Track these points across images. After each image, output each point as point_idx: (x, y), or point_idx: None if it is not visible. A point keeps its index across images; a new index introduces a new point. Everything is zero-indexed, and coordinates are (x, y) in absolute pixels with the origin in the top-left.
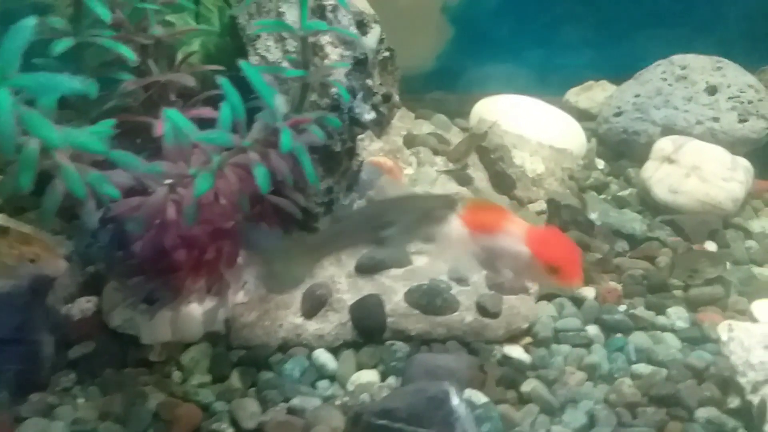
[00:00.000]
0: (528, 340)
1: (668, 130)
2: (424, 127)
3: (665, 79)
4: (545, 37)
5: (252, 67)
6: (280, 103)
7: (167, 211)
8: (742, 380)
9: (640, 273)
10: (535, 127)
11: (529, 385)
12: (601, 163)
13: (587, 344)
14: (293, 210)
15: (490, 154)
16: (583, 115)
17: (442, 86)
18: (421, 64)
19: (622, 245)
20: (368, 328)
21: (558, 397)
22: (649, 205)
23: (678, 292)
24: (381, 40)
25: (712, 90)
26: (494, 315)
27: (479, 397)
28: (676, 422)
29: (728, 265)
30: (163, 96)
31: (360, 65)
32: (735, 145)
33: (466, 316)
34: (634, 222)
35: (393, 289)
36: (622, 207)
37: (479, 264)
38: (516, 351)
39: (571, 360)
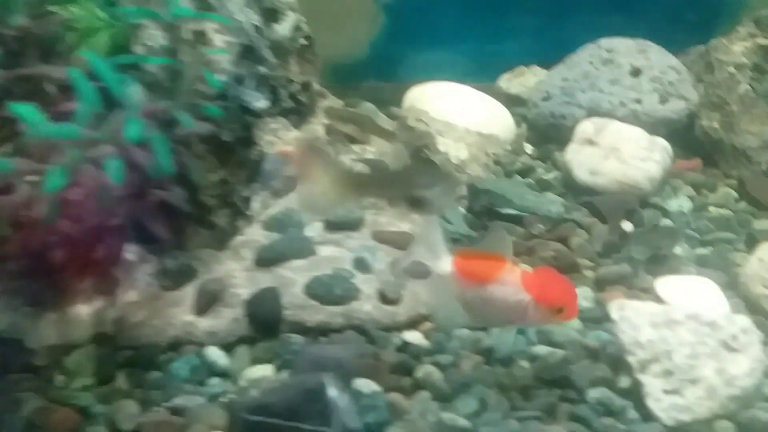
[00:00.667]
0: (429, 325)
1: (593, 112)
2: (356, 116)
3: (592, 63)
4: (479, 24)
5: (97, 57)
6: (132, 92)
7: (32, 210)
8: (631, 359)
9: (551, 254)
10: (463, 113)
11: (422, 372)
12: (529, 148)
13: (485, 327)
14: (181, 204)
15: (414, 141)
16: (514, 101)
17: (377, 75)
18: (354, 53)
19: (538, 228)
20: (264, 323)
21: (451, 383)
22: (571, 187)
23: (588, 272)
24: (297, 29)
25: (636, 72)
26: (394, 302)
27: (371, 387)
28: (566, 404)
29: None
30: (38, 90)
31: (249, 52)
32: (656, 126)
33: (365, 304)
34: (550, 204)
35: (293, 281)
36: (545, 190)
37: (477, 316)
38: (415, 337)
39: (468, 344)
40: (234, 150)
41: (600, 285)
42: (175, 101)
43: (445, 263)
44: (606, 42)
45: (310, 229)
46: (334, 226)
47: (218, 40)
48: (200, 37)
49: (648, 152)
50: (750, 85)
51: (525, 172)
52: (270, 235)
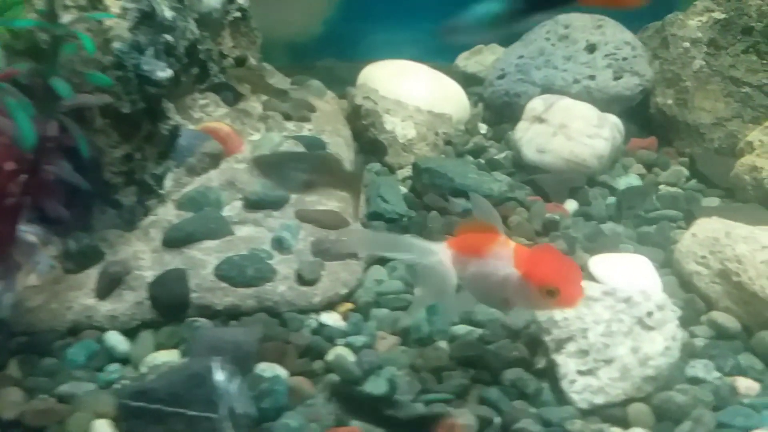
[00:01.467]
0: (348, 306)
1: (548, 90)
2: (296, 93)
3: (549, 39)
4: (438, 1)
5: None
6: None
7: None
8: (546, 338)
9: None
10: (415, 92)
11: (333, 354)
12: (484, 128)
13: (406, 307)
14: (75, 180)
15: (361, 120)
16: (471, 80)
17: (335, 54)
18: (309, 31)
19: None
20: (168, 306)
21: (363, 365)
22: (520, 166)
23: None
24: (231, 1)
25: (591, 48)
26: (311, 282)
27: (275, 371)
28: (479, 386)
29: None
30: None
31: (149, 19)
32: (610, 103)
33: (279, 285)
34: (492, 183)
35: (203, 263)
36: (495, 169)
37: (474, 294)
38: (332, 318)
39: (385, 324)
40: (138, 124)
41: None
42: (52, 68)
43: (438, 249)
44: (564, 18)
45: (229, 209)
46: (255, 204)
47: (115, 6)
48: (98, 2)
49: (597, 129)
50: (705, 60)
51: (477, 151)
52: (184, 215)
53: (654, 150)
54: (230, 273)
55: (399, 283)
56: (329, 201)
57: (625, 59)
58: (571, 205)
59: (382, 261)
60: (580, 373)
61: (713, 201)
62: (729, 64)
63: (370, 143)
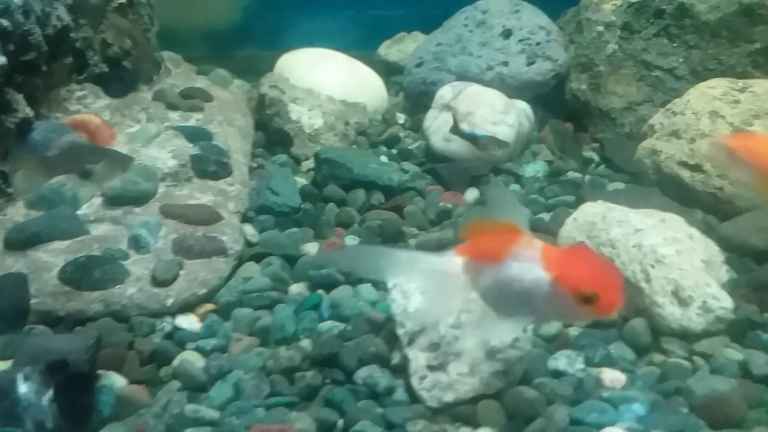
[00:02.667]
0: (210, 306)
1: (462, 77)
2: (198, 83)
3: (467, 26)
4: None
5: None
6: None
7: None
8: (400, 332)
9: (377, 224)
10: (330, 81)
11: (179, 360)
12: (402, 117)
13: (270, 305)
14: None
15: (265, 109)
16: (393, 69)
17: (255, 43)
18: (227, 20)
19: (378, 197)
20: (6, 313)
21: (210, 370)
22: (430, 155)
23: (412, 241)
24: None
25: (507, 34)
26: (165, 283)
27: (111, 380)
28: (329, 387)
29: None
30: None
31: None
32: (523, 89)
33: (129, 288)
34: (392, 173)
35: (49, 265)
36: (405, 159)
37: (489, 305)
38: (188, 321)
39: (244, 325)
40: None
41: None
42: None
43: (444, 260)
44: (482, 3)
45: (87, 206)
46: (114, 200)
47: None
48: None
49: (502, 116)
50: (618, 44)
51: (391, 141)
52: (35, 214)
53: None
54: (75, 276)
55: (267, 280)
56: (203, 195)
57: (538, 44)
58: (472, 193)
59: (258, 257)
60: (431, 368)
61: (619, 185)
62: (641, 48)
63: (276, 133)
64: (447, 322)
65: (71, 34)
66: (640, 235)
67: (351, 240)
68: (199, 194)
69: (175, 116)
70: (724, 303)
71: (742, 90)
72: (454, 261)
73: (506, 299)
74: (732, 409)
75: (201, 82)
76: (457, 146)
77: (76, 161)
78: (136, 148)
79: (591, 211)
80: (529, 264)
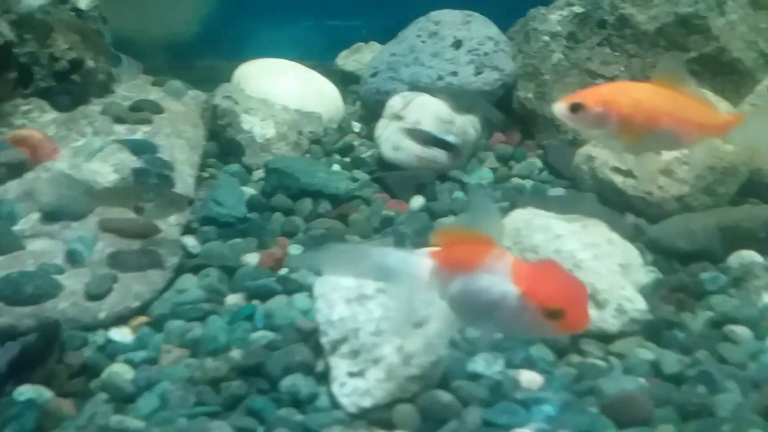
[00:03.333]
0: (143, 319)
1: (414, 87)
2: (152, 94)
3: (419, 36)
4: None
5: None
6: None
7: None
8: (323, 340)
9: (321, 232)
10: (285, 90)
11: (108, 372)
12: (358, 126)
13: (202, 317)
14: None
15: (218, 120)
16: (350, 78)
17: (215, 53)
18: (186, 30)
19: (325, 206)
20: None
21: (138, 381)
22: (381, 164)
23: None
24: (62, 1)
25: (457, 44)
26: (98, 297)
27: (38, 392)
28: (255, 396)
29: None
30: None
31: None
32: (472, 98)
33: (62, 302)
34: (339, 182)
35: None
36: (357, 168)
37: (463, 317)
38: (121, 334)
39: (175, 337)
40: None
41: None
42: None
43: (417, 261)
44: (435, 14)
45: (24, 221)
46: (52, 216)
47: None
48: None
49: (447, 125)
50: (563, 54)
51: (345, 150)
52: None
53: (515, 143)
54: (5, 291)
55: (201, 292)
56: None
57: (486, 54)
58: (417, 201)
59: (196, 269)
60: (351, 375)
61: (560, 191)
62: (585, 57)
63: (228, 143)
64: (367, 329)
65: (14, 50)
66: (560, 240)
67: (295, 249)
68: None
69: (121, 129)
70: (638, 305)
71: None
72: (424, 263)
73: (473, 309)
74: (638, 408)
75: (155, 94)
76: (404, 155)
77: (132, 196)
78: (78, 162)
79: (517, 217)
80: (499, 277)
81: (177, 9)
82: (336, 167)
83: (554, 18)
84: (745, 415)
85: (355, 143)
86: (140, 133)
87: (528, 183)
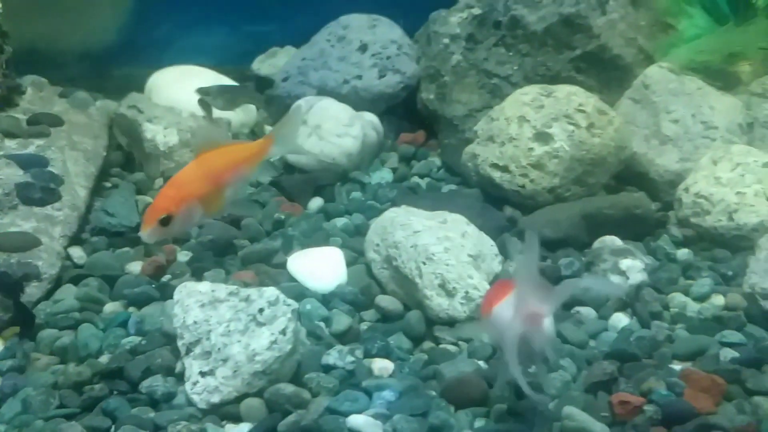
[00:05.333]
0: (14, 330)
1: (322, 91)
2: (57, 106)
3: (329, 41)
4: (233, 5)
5: None
6: None
7: None
8: (179, 343)
9: (209, 238)
10: (193, 97)
11: None
12: (270, 130)
13: (75, 325)
14: None
15: (120, 129)
16: (265, 83)
17: (131, 61)
18: (102, 39)
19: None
20: None
21: (4, 388)
22: (287, 167)
23: (242, 252)
24: None
25: (363, 48)
26: None
27: None
28: (115, 397)
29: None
30: None
31: None
32: (375, 101)
33: None
34: None
35: None
36: (266, 172)
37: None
38: None
39: (44, 345)
40: None
41: (245, 263)
42: None
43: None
44: (344, 19)
45: None
46: None
47: None
48: None
49: (346, 128)
50: (462, 55)
51: None
52: None
53: (420, 144)
54: None
55: (75, 302)
56: (26, 222)
57: (389, 58)
58: (316, 202)
59: (76, 279)
60: (202, 374)
61: (453, 188)
62: (483, 58)
63: (132, 153)
64: (218, 331)
65: None
66: (417, 236)
67: (184, 256)
68: (21, 221)
69: (12, 144)
70: (483, 292)
71: (548, 95)
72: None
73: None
74: (472, 389)
75: (60, 106)
76: (305, 158)
77: None
78: None
79: (386, 215)
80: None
81: (92, 17)
82: None
83: (454, 20)
84: (572, 392)
85: None
86: (33, 147)
87: (425, 181)
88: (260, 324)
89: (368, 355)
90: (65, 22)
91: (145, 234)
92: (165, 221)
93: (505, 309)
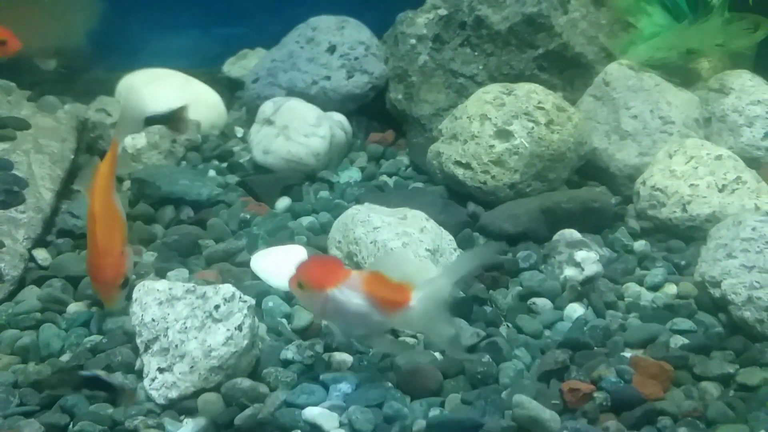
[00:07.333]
0: None
1: (291, 92)
2: (24, 110)
3: (298, 42)
4: (204, 8)
5: None
6: None
7: None
8: (138, 340)
9: (174, 239)
10: (162, 100)
11: None
12: (241, 132)
13: (36, 326)
14: None
15: (89, 133)
16: (235, 85)
17: (103, 64)
18: (72, 43)
19: (187, 212)
20: None
21: None
22: (256, 168)
23: (206, 251)
24: None
25: (332, 49)
26: None
27: None
28: (74, 394)
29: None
30: None
31: None
32: (344, 102)
33: None
34: (202, 188)
35: None
36: (234, 172)
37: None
38: None
39: (4, 345)
40: None
41: (209, 263)
42: None
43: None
44: (313, 20)
45: None
46: None
47: None
48: None
49: (313, 128)
50: (429, 55)
51: (224, 156)
52: None
53: (388, 143)
54: None
55: (37, 302)
56: None
57: (356, 59)
58: (283, 202)
59: (40, 280)
60: (160, 370)
61: (419, 185)
62: (449, 58)
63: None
64: (175, 328)
65: None
66: (376, 232)
67: (149, 256)
68: None
69: None
70: None
71: (509, 93)
72: None
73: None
74: (427, 380)
75: (27, 110)
76: (273, 158)
77: None
78: None
79: (348, 213)
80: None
81: (63, 20)
82: (212, 173)
83: (421, 21)
84: (524, 381)
85: (236, 149)
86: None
87: (393, 180)
88: (216, 320)
89: (328, 349)
90: (34, 25)
91: (115, 305)
92: (123, 284)
93: (347, 295)
